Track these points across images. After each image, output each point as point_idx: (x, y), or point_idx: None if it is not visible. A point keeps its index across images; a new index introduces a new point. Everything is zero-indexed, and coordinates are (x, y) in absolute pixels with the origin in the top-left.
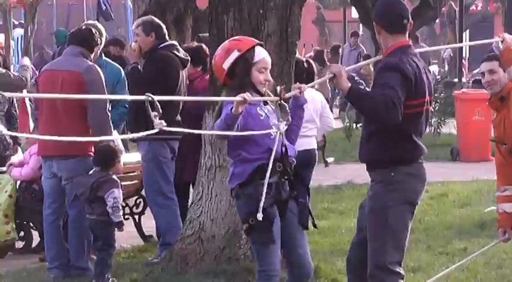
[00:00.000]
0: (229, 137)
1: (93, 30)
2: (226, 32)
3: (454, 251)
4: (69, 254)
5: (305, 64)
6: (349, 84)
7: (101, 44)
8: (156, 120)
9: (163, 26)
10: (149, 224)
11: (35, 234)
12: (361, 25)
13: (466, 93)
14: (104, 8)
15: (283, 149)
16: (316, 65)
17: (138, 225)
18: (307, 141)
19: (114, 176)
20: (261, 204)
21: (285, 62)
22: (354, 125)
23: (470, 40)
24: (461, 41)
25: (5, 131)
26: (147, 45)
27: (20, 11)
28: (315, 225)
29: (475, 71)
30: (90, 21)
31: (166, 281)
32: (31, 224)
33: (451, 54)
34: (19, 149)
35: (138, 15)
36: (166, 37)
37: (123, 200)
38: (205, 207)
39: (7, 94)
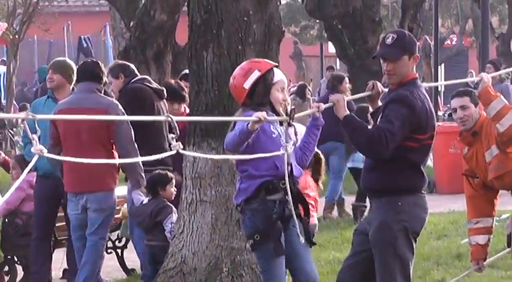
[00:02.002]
0: (238, 151)
1: (100, 64)
2: (206, 67)
3: None
4: (77, 277)
5: None
6: (346, 113)
7: (73, 80)
8: (174, 142)
9: (130, 64)
10: (132, 257)
11: (19, 268)
12: (337, 59)
13: (441, 126)
14: (85, 45)
15: (289, 168)
16: (298, 98)
17: (120, 259)
18: None
19: (168, 202)
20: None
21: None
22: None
23: (445, 74)
24: (436, 74)
25: (46, 154)
26: (119, 87)
27: (2, 48)
28: (313, 243)
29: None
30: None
31: None
32: (15, 258)
33: (426, 88)
34: None
35: (119, 52)
36: (136, 73)
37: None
38: (186, 240)
39: (39, 116)
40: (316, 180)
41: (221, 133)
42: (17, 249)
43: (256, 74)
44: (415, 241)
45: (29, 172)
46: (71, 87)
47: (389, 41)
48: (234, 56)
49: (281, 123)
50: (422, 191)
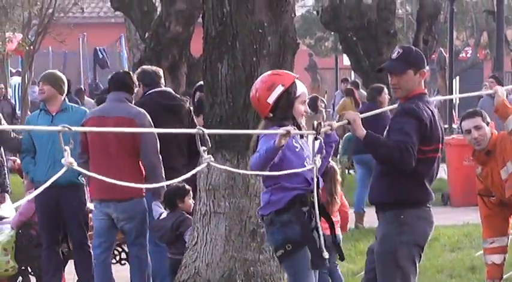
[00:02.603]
0: (267, 167)
1: (131, 74)
2: (220, 79)
3: None
4: None
5: None
6: (365, 131)
7: (64, 91)
8: (205, 155)
9: (155, 72)
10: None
11: (33, 279)
12: (352, 72)
13: (456, 138)
14: (101, 56)
15: (317, 181)
16: (310, 111)
17: None
18: None
19: (187, 215)
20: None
21: None
22: (346, 170)
23: (460, 86)
24: (451, 87)
25: (76, 167)
26: (140, 94)
27: (17, 59)
28: (342, 258)
29: None
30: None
31: None
32: (29, 269)
33: (441, 101)
34: (7, 196)
35: (134, 63)
36: (158, 81)
37: (120, 245)
38: (200, 252)
39: (75, 128)
40: (331, 197)
41: (235, 144)
42: (31, 260)
43: (280, 89)
44: (420, 255)
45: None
46: (63, 98)
47: (395, 55)
48: (249, 67)
49: (301, 136)
50: (428, 205)
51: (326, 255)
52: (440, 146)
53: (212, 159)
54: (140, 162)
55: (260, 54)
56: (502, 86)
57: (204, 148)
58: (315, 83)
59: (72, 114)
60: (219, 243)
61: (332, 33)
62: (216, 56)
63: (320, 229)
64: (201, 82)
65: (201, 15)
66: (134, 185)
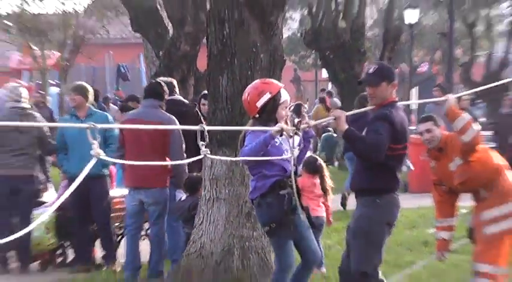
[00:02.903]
0: (259, 154)
1: (163, 84)
2: (221, 89)
3: (404, 263)
4: (149, 261)
5: None
6: (347, 127)
7: (90, 100)
8: (203, 148)
9: (169, 83)
10: None
11: (70, 253)
12: (329, 83)
13: (414, 138)
14: (123, 70)
15: (295, 168)
16: (295, 115)
17: None
18: None
19: None
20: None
21: None
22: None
23: (418, 95)
24: (409, 95)
25: (103, 156)
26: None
27: (55, 73)
28: (314, 227)
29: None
30: (79, 83)
31: None
32: (67, 244)
33: (403, 107)
34: (50, 185)
35: (150, 76)
36: (174, 91)
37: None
38: (205, 230)
39: (100, 125)
40: (324, 191)
41: (233, 143)
42: (68, 236)
43: (267, 96)
44: (390, 232)
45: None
46: (89, 105)
47: (371, 70)
48: (245, 80)
49: (281, 134)
50: (397, 192)
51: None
52: (407, 144)
53: (208, 152)
54: (166, 158)
55: (254, 69)
56: (446, 93)
57: (203, 143)
58: (298, 93)
59: (96, 118)
60: (220, 223)
61: (313, 51)
62: (218, 71)
63: (293, 207)
64: (205, 91)
65: (205, 37)
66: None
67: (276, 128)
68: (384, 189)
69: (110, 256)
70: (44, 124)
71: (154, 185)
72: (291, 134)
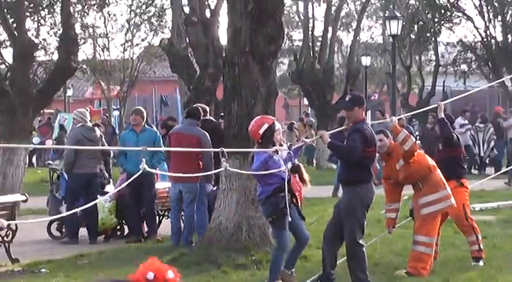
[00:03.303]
0: (263, 169)
1: (199, 108)
2: (233, 112)
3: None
4: (183, 233)
5: None
6: (329, 140)
7: (145, 119)
8: (224, 163)
9: (200, 108)
10: None
11: (126, 229)
12: (309, 108)
13: None
14: (164, 99)
15: (289, 178)
16: (288, 130)
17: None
18: None
19: None
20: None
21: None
22: (306, 165)
23: (371, 116)
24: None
25: (148, 169)
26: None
27: (117, 101)
28: (304, 218)
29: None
30: (138, 107)
31: (200, 253)
32: (123, 222)
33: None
34: (111, 181)
35: (184, 103)
36: (207, 113)
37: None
38: (222, 212)
39: (150, 149)
40: (303, 182)
41: (240, 154)
42: (125, 217)
43: (266, 126)
44: (367, 211)
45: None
46: (143, 123)
47: (347, 98)
48: (250, 106)
49: (277, 153)
50: (370, 182)
51: (289, 219)
52: (376, 148)
53: (228, 165)
54: (200, 163)
55: (256, 99)
56: (384, 115)
57: (224, 159)
58: (288, 116)
59: (148, 132)
60: (232, 207)
61: (297, 85)
62: (230, 100)
63: (287, 205)
64: (222, 114)
65: (222, 76)
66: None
67: (273, 149)
68: (363, 180)
69: (152, 231)
70: (114, 148)
71: (188, 180)
72: (285, 152)
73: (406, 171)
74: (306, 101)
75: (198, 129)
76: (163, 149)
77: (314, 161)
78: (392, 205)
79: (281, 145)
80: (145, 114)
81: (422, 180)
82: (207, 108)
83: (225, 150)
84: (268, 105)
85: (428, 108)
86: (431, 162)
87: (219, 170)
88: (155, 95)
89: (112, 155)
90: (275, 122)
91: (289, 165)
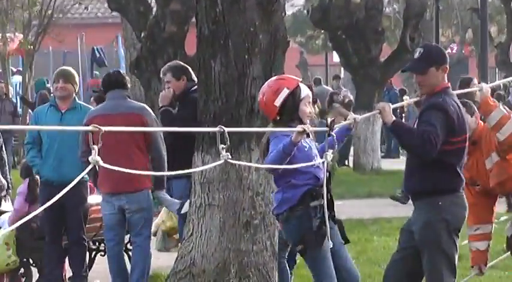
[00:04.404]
0: (283, 163)
1: (123, 72)
2: (214, 76)
3: None
4: (130, 278)
5: None
6: (394, 118)
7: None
8: (223, 152)
9: (190, 68)
10: None
11: (35, 271)
12: (342, 68)
13: None
14: (98, 55)
15: (328, 176)
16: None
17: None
18: None
19: None
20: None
21: None
22: (336, 164)
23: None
24: None
25: (101, 163)
26: (180, 89)
27: (18, 59)
28: (348, 241)
29: None
30: (65, 68)
31: None
32: (30, 261)
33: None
34: (9, 193)
35: (130, 61)
36: (195, 78)
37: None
38: (195, 243)
39: (105, 128)
40: None
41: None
42: (32, 252)
43: (285, 92)
44: (458, 237)
45: (31, 178)
46: (74, 97)
47: (416, 55)
48: (241, 65)
49: (308, 135)
50: (460, 190)
51: (331, 245)
52: (467, 136)
53: (229, 156)
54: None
55: (252, 52)
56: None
57: (223, 146)
58: (305, 80)
59: (80, 113)
60: (213, 235)
61: (322, 31)
62: (210, 55)
63: (327, 221)
64: (194, 79)
65: (194, 15)
66: (165, 173)
67: (298, 129)
68: (446, 189)
69: (79, 276)
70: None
71: (137, 188)
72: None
73: (502, 173)
74: (335, 58)
75: (134, 104)
76: (123, 129)
77: (350, 159)
78: (480, 228)
79: (313, 123)
80: (78, 80)
81: None
82: (190, 68)
83: (226, 129)
84: (273, 63)
85: None
86: None
87: (214, 164)
88: (82, 48)
89: (12, 146)
90: (300, 84)
91: (329, 155)
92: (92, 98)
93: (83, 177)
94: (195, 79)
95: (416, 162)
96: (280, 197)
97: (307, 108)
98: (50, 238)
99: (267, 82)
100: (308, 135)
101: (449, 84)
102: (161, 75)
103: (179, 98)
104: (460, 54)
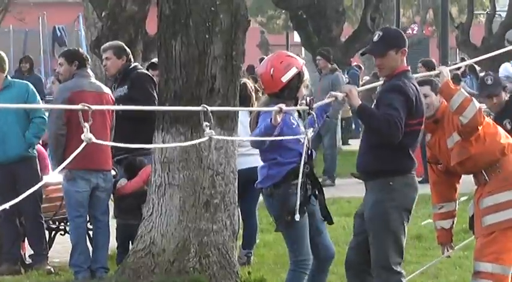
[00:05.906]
0: (265, 143)
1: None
2: (174, 55)
3: None
4: (95, 255)
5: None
6: (360, 102)
7: (6, 70)
8: (207, 130)
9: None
10: None
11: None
12: (303, 48)
13: None
14: (59, 34)
15: (310, 152)
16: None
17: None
18: (252, 159)
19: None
20: (298, 205)
21: (230, 83)
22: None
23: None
24: None
25: (94, 139)
26: (117, 68)
27: None
28: (331, 222)
29: None
30: None
31: None
32: None
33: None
34: None
35: (91, 41)
36: (132, 60)
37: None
38: (155, 222)
39: (94, 107)
40: None
41: (188, 119)
42: None
43: (294, 71)
44: (408, 218)
45: None
46: (4, 76)
47: (375, 38)
48: (202, 45)
49: (299, 114)
50: (412, 172)
51: (297, 217)
52: (423, 119)
53: (213, 133)
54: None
55: (213, 32)
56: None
57: (207, 123)
58: None
59: (15, 90)
60: (173, 214)
61: (283, 11)
62: (170, 34)
63: (309, 198)
64: (153, 60)
65: None
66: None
67: (275, 108)
68: (398, 170)
69: (40, 255)
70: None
71: (109, 168)
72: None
73: (463, 153)
74: (296, 38)
75: (99, 83)
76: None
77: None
78: (444, 206)
79: (310, 103)
80: (5, 62)
81: (490, 168)
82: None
83: (210, 108)
84: (234, 42)
85: (504, 50)
86: (506, 139)
87: (198, 140)
88: (43, 27)
89: None
90: (304, 67)
91: (310, 133)
92: (53, 77)
93: (32, 154)
94: (132, 60)
95: (371, 142)
96: (265, 173)
97: (303, 91)
98: (4, 216)
99: (276, 55)
100: (300, 115)
101: (408, 67)
102: (101, 51)
103: (119, 77)
104: (420, 35)
